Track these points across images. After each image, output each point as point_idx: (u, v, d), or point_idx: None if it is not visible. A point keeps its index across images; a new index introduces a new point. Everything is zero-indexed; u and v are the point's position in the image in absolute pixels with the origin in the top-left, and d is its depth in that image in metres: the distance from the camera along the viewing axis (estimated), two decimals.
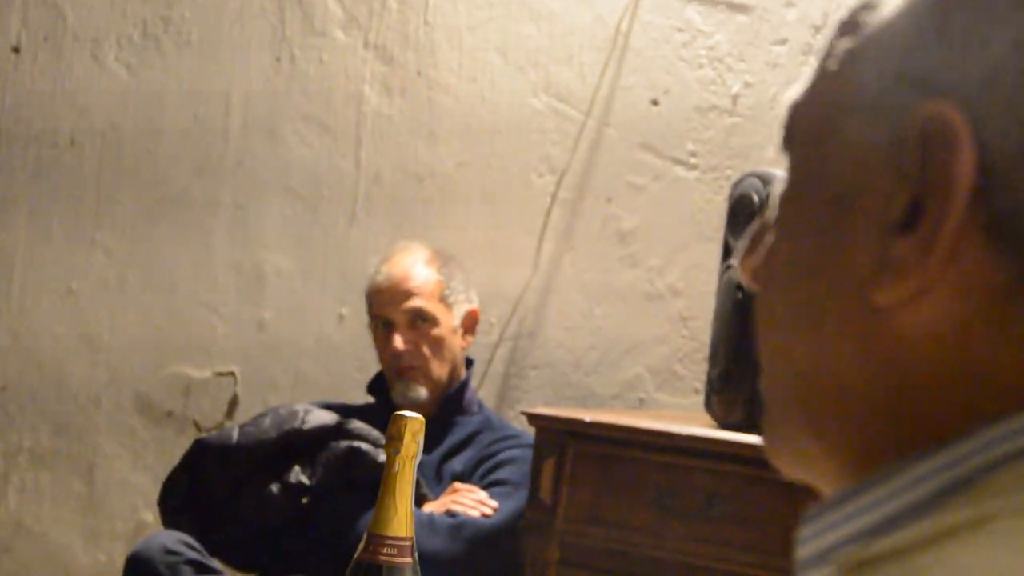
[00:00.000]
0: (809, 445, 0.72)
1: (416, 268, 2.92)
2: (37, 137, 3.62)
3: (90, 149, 3.59)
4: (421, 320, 2.89)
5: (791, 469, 0.76)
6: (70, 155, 3.60)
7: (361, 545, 1.50)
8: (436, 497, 2.75)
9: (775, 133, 0.76)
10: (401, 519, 1.51)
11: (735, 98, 3.12)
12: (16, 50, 3.64)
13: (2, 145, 3.63)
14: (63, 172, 3.60)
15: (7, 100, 3.63)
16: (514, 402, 3.20)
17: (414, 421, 1.52)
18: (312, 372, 3.38)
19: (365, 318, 3.02)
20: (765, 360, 0.75)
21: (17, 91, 3.63)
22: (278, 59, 3.47)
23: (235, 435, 2.76)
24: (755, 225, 0.79)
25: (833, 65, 0.72)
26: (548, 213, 3.23)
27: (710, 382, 2.57)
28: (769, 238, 0.76)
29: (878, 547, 0.65)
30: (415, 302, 2.89)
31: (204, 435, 2.98)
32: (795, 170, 0.74)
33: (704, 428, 2.46)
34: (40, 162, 3.61)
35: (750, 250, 0.78)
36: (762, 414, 0.77)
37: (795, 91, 0.75)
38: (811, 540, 0.70)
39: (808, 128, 0.73)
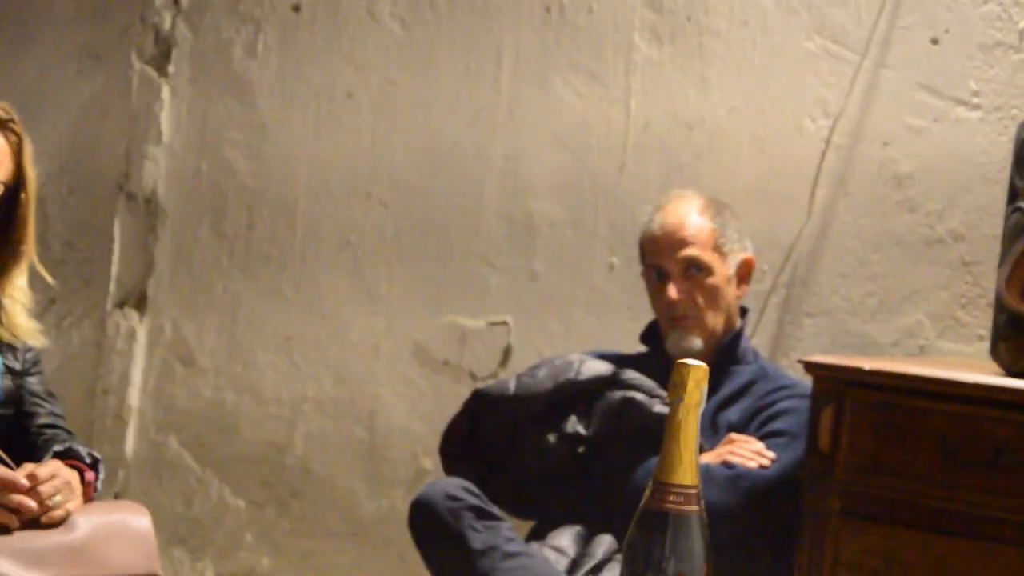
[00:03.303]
0: None
1: (690, 217, 2.90)
2: (317, 93, 3.72)
3: (366, 103, 3.67)
4: (695, 269, 2.87)
5: None
6: (347, 109, 3.69)
7: (647, 493, 1.50)
8: (712, 447, 2.73)
9: None
10: (687, 467, 1.51)
11: (1022, 34, 2.99)
12: (296, 9, 3.75)
13: (285, 101, 3.74)
14: (340, 126, 3.69)
15: (289, 58, 3.74)
16: (788, 350, 3.16)
17: (697, 369, 1.52)
18: (584, 321, 3.40)
19: (636, 267, 3.02)
20: None
21: (298, 49, 3.74)
22: (547, 9, 3.48)
23: (512, 385, 2.80)
24: None
25: None
26: (822, 158, 3.16)
27: (996, 328, 2.48)
28: None
29: None
30: (689, 251, 2.87)
31: (482, 385, 3.03)
32: None
33: (991, 376, 2.38)
34: (319, 117, 3.72)
35: None
36: None
37: None
38: None
39: None
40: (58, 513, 2.45)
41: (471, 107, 3.57)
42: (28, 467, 2.49)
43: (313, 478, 3.65)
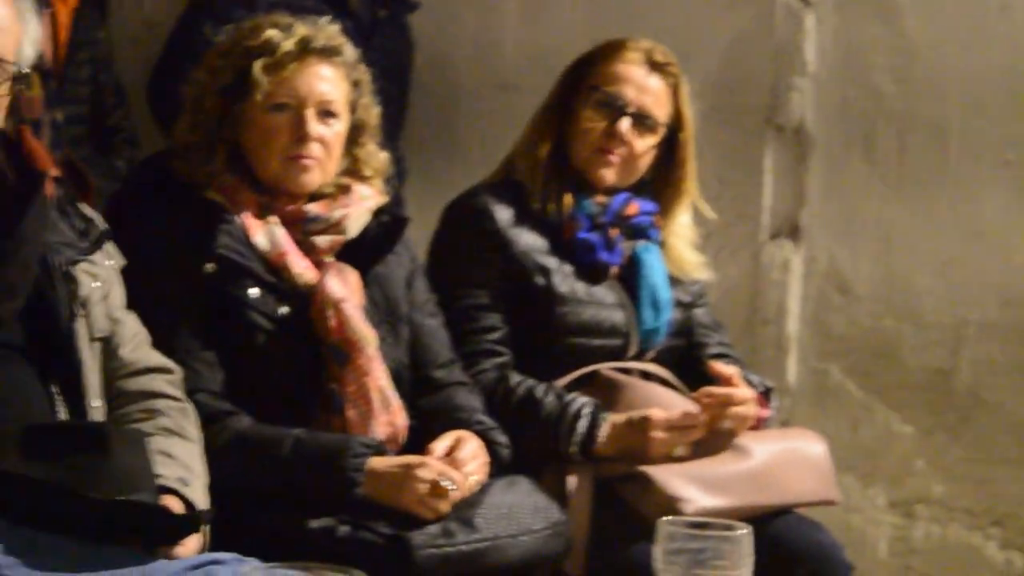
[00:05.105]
0: None
1: None
2: (967, 7, 3.55)
3: (1023, 13, 3.51)
4: None
5: None
6: (1001, 21, 3.54)
7: None
8: None
9: None
10: None
11: None
12: None
13: (933, 19, 3.62)
14: (995, 39, 3.55)
15: None
16: None
17: None
18: None
19: None
20: None
21: None
22: None
23: None
24: None
25: None
26: None
27: None
28: None
29: None
30: None
31: None
32: None
33: None
34: (971, 32, 3.58)
35: None
36: None
37: None
38: None
39: None
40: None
41: None
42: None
43: (983, 404, 3.55)
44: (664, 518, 1.63)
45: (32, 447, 1.84)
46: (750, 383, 2.69)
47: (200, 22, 3.11)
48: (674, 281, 2.86)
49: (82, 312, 2.05)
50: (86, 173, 2.30)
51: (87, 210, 2.16)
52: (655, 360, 2.80)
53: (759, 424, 2.67)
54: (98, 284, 2.10)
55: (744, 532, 1.62)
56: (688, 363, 2.84)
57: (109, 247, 2.17)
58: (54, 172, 2.11)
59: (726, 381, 2.63)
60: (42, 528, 1.78)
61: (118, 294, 2.17)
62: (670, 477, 2.51)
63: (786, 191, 3.77)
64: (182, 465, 2.02)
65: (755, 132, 3.79)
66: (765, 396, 2.72)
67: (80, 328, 2.05)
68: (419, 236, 2.78)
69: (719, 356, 2.82)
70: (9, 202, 2.02)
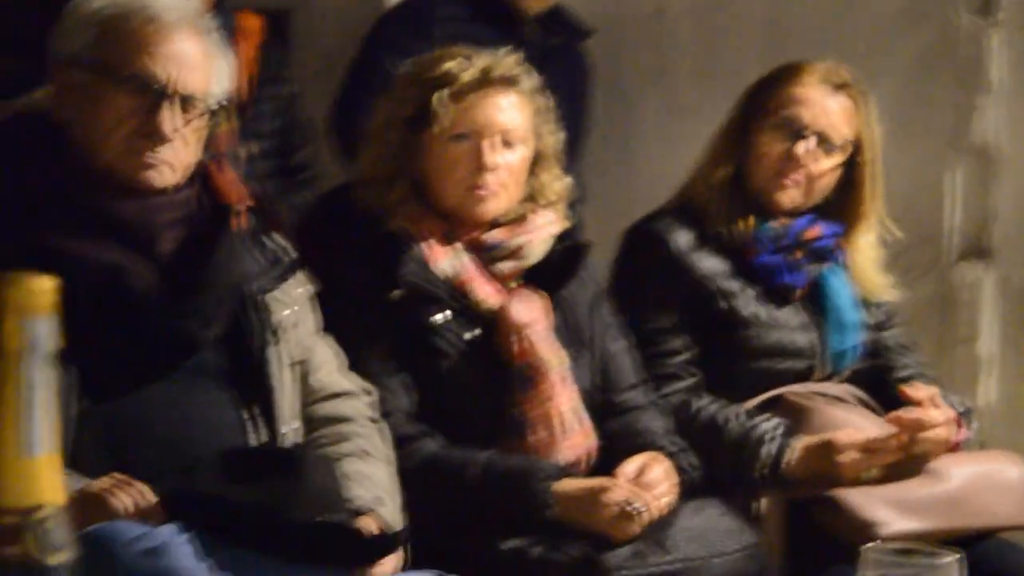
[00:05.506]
0: None
1: None
2: None
3: None
4: None
5: None
6: None
7: None
8: None
9: None
10: None
11: None
12: None
13: None
14: None
15: None
16: None
17: None
18: None
19: None
20: None
21: None
22: None
23: None
24: None
25: None
26: None
27: None
28: None
29: None
30: None
31: None
32: None
33: None
34: None
35: None
36: None
37: None
38: None
39: None
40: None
41: None
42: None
43: None
44: (868, 545, 1.56)
45: (229, 470, 1.88)
46: (949, 404, 2.63)
47: (380, 55, 3.15)
48: (862, 303, 2.81)
49: (275, 339, 2.09)
50: (277, 205, 2.34)
51: (279, 239, 2.21)
52: (845, 382, 2.75)
53: (956, 446, 2.61)
54: (289, 311, 2.13)
55: (952, 558, 1.49)
56: (877, 386, 2.78)
57: (301, 274, 2.21)
58: (247, 203, 2.15)
59: (917, 405, 2.58)
60: (241, 548, 1.81)
61: (311, 320, 2.21)
62: (863, 500, 2.46)
63: (973, 211, 3.69)
64: (375, 486, 2.05)
65: (938, 152, 3.72)
66: (964, 417, 2.65)
67: (272, 355, 2.09)
68: (597, 260, 2.77)
69: (912, 378, 2.76)
70: (203, 234, 2.07)
